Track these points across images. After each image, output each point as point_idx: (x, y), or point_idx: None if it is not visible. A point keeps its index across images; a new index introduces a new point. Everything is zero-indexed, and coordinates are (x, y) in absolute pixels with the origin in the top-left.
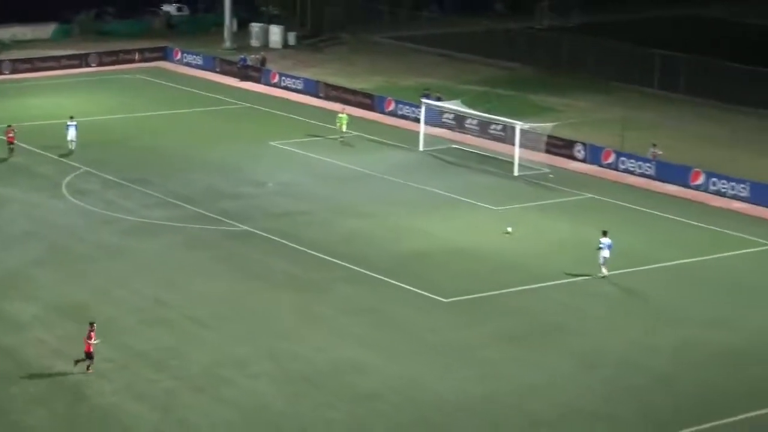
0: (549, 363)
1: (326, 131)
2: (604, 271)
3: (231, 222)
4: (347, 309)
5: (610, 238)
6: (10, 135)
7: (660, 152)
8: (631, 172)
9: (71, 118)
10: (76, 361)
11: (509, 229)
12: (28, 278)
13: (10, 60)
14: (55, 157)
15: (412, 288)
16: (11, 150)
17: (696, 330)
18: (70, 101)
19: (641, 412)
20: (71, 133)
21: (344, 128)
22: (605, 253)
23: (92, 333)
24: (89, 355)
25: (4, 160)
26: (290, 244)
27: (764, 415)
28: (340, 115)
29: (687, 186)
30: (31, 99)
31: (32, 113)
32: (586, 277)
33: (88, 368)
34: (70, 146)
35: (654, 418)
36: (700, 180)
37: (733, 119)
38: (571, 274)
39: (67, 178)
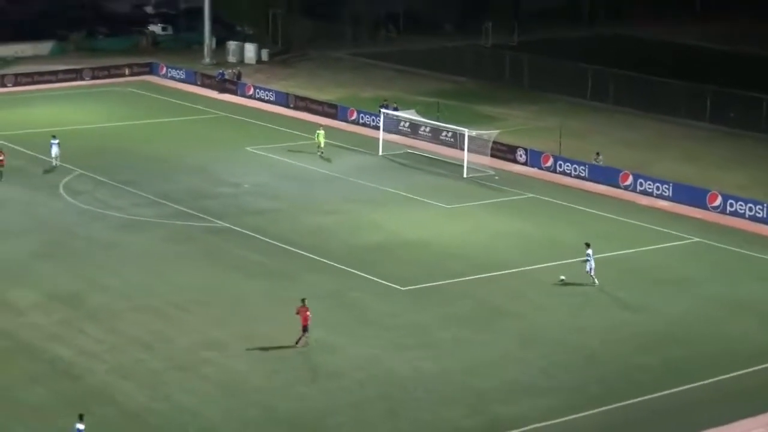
0: (493, 343)
1: (296, 138)
2: (596, 280)
3: (211, 219)
4: (314, 296)
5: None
6: (0, 158)
7: (602, 160)
8: (568, 174)
9: (53, 136)
10: (297, 341)
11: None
12: (27, 269)
13: (13, 74)
14: (54, 163)
15: (371, 277)
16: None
17: (622, 314)
18: (67, 111)
19: (575, 387)
20: (54, 151)
21: (322, 143)
22: (593, 263)
23: (306, 308)
24: (306, 329)
25: None
26: (262, 238)
27: (682, 391)
28: (318, 131)
29: (617, 186)
30: (32, 109)
31: (33, 122)
32: (526, 268)
33: (297, 342)
34: (53, 162)
35: (586, 392)
36: (629, 181)
37: (655, 127)
38: (513, 264)
39: (65, 180)
